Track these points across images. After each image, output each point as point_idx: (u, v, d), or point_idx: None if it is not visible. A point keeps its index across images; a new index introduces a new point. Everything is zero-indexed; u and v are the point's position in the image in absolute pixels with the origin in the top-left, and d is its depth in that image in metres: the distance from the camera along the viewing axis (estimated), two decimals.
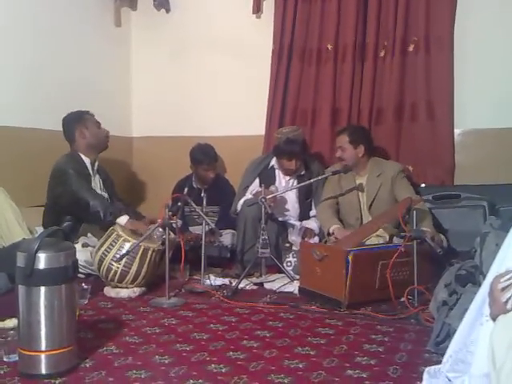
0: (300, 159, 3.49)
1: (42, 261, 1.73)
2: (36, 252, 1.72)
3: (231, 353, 1.96)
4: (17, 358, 1.78)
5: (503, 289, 1.29)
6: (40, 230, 3.13)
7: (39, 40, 3.65)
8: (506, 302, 1.27)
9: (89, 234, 3.17)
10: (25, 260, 1.73)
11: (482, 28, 3.58)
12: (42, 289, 1.73)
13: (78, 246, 2.97)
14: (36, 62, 3.60)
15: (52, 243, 1.81)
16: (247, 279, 2.98)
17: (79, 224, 3.18)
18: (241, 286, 2.88)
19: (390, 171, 3.29)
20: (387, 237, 3.06)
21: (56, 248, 1.78)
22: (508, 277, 1.30)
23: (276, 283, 2.93)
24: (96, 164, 3.40)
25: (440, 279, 2.22)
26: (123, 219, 3.06)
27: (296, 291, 2.80)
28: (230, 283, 2.92)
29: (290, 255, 3.20)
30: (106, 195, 3.40)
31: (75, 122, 3.29)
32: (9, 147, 3.36)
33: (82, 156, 3.31)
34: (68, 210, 3.16)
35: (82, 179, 3.18)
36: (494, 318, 1.34)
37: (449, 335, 1.90)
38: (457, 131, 3.65)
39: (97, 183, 3.38)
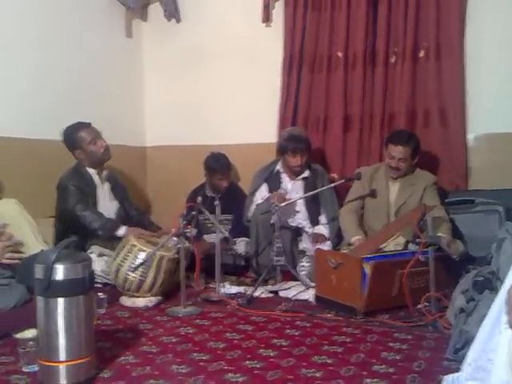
0: (304, 155, 3.49)
1: (60, 272, 1.75)
2: (53, 264, 1.75)
3: (248, 362, 1.96)
4: (36, 369, 1.80)
5: None
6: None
7: (50, 52, 3.68)
8: None
9: (93, 247, 3.18)
10: (43, 272, 1.75)
11: (493, 32, 3.55)
12: (60, 300, 1.75)
13: (93, 256, 3.00)
14: (46, 73, 3.63)
15: (69, 255, 1.82)
16: (262, 287, 2.98)
17: (86, 238, 3.20)
18: (256, 294, 2.89)
19: (423, 181, 3.27)
20: (403, 243, 3.04)
21: (73, 259, 1.80)
22: None
23: (291, 291, 2.93)
24: (104, 173, 3.42)
25: (457, 286, 2.21)
26: (122, 231, 3.14)
27: (311, 299, 2.80)
28: (245, 291, 2.92)
29: (304, 260, 3.20)
30: (115, 204, 3.42)
31: (69, 146, 3.33)
32: (23, 158, 3.39)
33: (88, 168, 3.34)
34: (70, 226, 3.20)
35: (83, 195, 3.22)
36: (511, 325, 1.33)
37: (467, 342, 1.88)
38: (470, 136, 3.63)
39: (105, 192, 3.41)
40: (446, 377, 1.64)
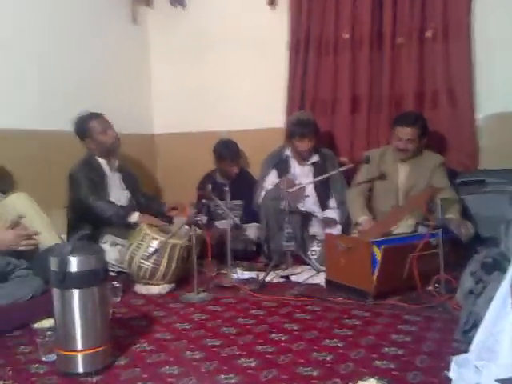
0: (312, 139, 3.50)
1: (74, 264, 1.80)
2: (68, 256, 1.80)
3: (260, 346, 2.00)
4: (54, 358, 1.86)
5: None
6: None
7: (56, 40, 3.69)
8: None
9: (106, 236, 3.20)
10: (58, 264, 1.80)
11: (501, 12, 3.49)
12: (76, 291, 1.80)
13: (107, 245, 3.06)
14: (53, 62, 3.65)
15: (83, 247, 1.87)
16: (273, 272, 3.02)
17: (99, 227, 3.24)
18: (267, 279, 2.92)
19: (431, 162, 3.27)
20: (413, 225, 3.05)
21: (87, 251, 1.85)
22: None
23: (302, 275, 2.96)
24: (115, 163, 3.46)
25: (466, 267, 2.22)
26: (135, 216, 3.20)
27: (322, 283, 2.83)
28: (257, 276, 2.95)
29: (314, 244, 3.22)
30: (126, 193, 3.47)
31: (80, 135, 3.38)
32: (35, 150, 3.43)
33: (98, 158, 3.38)
34: (83, 215, 3.25)
35: (94, 185, 3.28)
36: None
37: (476, 324, 1.89)
38: (480, 116, 3.60)
39: (116, 182, 3.45)
40: (455, 358, 1.67)
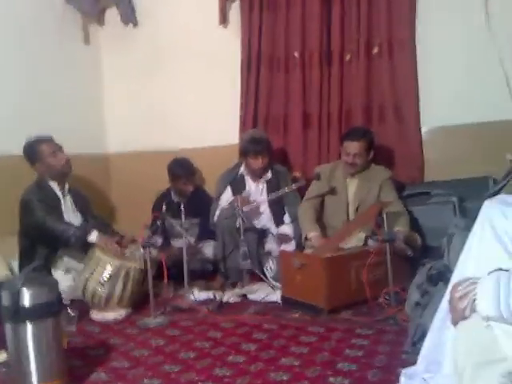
0: (265, 157, 3.56)
1: (27, 298, 1.79)
2: (20, 289, 1.78)
3: (218, 370, 2.03)
4: None
5: (461, 297, 1.38)
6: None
7: (3, 62, 3.62)
8: (464, 309, 1.35)
9: (65, 258, 3.17)
10: (10, 298, 1.78)
11: (442, 29, 3.65)
12: (29, 325, 1.79)
13: (60, 272, 3.02)
14: (0, 84, 3.58)
15: (35, 279, 1.86)
16: (231, 291, 3.04)
17: (55, 251, 3.20)
18: (225, 299, 2.95)
19: (379, 176, 3.37)
20: (363, 238, 3.15)
21: (39, 283, 1.84)
22: (464, 285, 1.39)
23: (259, 293, 3.00)
24: (66, 186, 3.43)
25: (413, 280, 2.32)
26: (93, 236, 3.12)
27: (279, 300, 2.87)
28: (214, 297, 2.97)
29: (270, 261, 3.27)
30: (79, 216, 3.44)
31: (30, 159, 3.33)
32: None
33: (50, 181, 3.35)
34: (39, 240, 3.19)
35: (49, 208, 3.22)
36: (454, 323, 1.43)
37: (423, 335, 1.98)
38: (425, 129, 3.75)
39: (68, 205, 3.42)
40: (403, 371, 1.74)
